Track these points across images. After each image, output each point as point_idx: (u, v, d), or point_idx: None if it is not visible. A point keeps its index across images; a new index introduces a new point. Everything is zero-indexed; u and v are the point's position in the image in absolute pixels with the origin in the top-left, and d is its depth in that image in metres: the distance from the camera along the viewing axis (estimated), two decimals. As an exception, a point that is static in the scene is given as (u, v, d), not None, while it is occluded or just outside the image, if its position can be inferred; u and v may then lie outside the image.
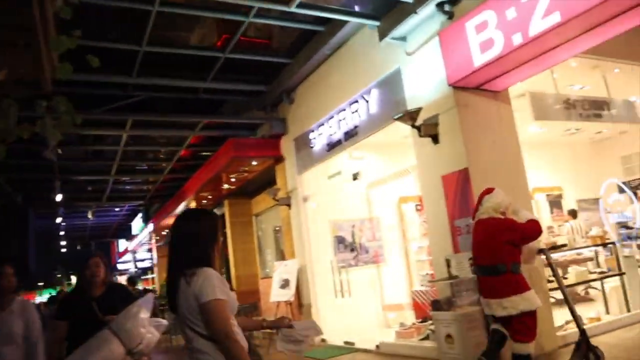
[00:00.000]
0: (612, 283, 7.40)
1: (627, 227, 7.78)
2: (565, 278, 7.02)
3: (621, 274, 7.29)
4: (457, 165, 6.15)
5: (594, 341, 6.12)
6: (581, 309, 7.76)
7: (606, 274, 7.25)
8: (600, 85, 8.52)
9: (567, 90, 8.21)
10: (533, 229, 4.78)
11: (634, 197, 8.39)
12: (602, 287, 7.39)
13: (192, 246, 2.47)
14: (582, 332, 5.06)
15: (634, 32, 8.11)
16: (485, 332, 5.58)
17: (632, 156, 13.42)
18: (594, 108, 8.13)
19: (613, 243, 7.45)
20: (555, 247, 5.94)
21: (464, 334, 5.48)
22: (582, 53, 6.71)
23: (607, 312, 7.24)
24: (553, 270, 5.31)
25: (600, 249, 7.91)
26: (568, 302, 5.21)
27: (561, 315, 6.40)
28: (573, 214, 10.66)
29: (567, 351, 5.82)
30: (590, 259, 8.79)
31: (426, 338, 7.10)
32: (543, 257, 5.45)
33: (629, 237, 7.60)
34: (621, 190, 8.48)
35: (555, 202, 12.23)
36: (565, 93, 8.03)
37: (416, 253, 9.65)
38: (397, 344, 7.50)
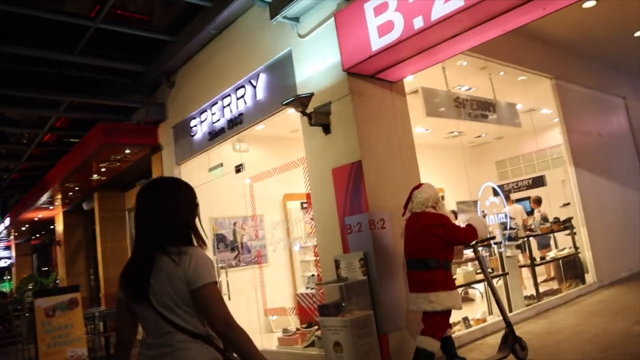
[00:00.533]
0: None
1: (510, 228, 7.89)
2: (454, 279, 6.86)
3: (504, 275, 7.32)
4: (350, 157, 5.68)
5: (482, 344, 6.01)
6: (465, 310, 7.76)
7: (492, 275, 7.21)
8: (487, 88, 8.64)
9: (456, 90, 8.19)
10: (466, 236, 4.81)
11: (504, 201, 8.63)
12: (486, 288, 7.36)
13: (174, 220, 2.13)
14: (508, 323, 5.15)
15: (518, 39, 8.45)
16: (377, 339, 5.17)
17: (506, 161, 14.14)
18: (481, 109, 8.16)
19: (499, 243, 7.46)
20: (482, 241, 5.62)
21: (354, 342, 4.99)
22: (474, 51, 6.64)
23: (490, 312, 7.22)
24: (481, 263, 5.53)
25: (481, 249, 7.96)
26: (495, 294, 5.43)
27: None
28: (454, 215, 10.82)
29: (460, 353, 5.60)
30: (473, 259, 8.88)
31: (312, 345, 6.58)
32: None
33: (511, 238, 7.69)
34: (495, 194, 8.66)
35: (437, 203, 12.44)
36: (455, 92, 7.99)
37: (301, 253, 9.15)
38: (279, 351, 6.90)
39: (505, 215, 8.09)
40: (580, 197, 9.02)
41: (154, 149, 9.84)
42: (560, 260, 8.96)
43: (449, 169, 13.00)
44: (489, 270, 7.35)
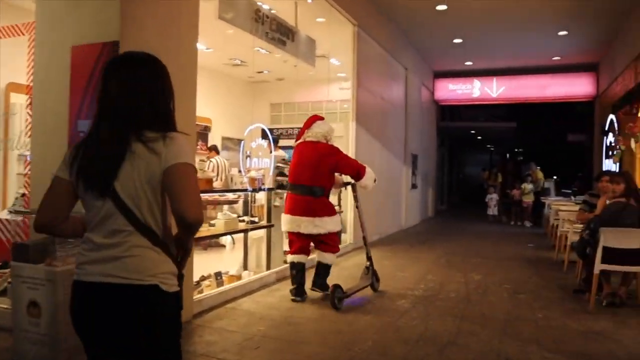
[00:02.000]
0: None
1: (282, 174, 6.95)
2: (213, 225, 5.59)
3: (269, 226, 6.34)
4: (102, 34, 3.83)
5: (234, 309, 4.91)
6: (215, 262, 6.60)
7: (257, 225, 6.17)
8: (290, 14, 7.48)
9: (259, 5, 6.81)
10: (359, 169, 5.28)
11: (273, 146, 7.83)
12: (245, 239, 6.31)
13: (157, 100, 1.79)
14: (370, 258, 5.69)
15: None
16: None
17: (282, 105, 13.41)
18: (280, 32, 6.94)
19: (272, 189, 6.43)
20: (348, 183, 5.71)
21: (60, 305, 3.33)
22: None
23: (246, 267, 6.21)
24: (358, 202, 5.77)
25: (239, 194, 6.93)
26: (364, 230, 5.78)
27: (196, 270, 4.95)
28: (215, 149, 9.59)
29: (204, 323, 4.38)
30: (234, 202, 7.78)
31: (4, 293, 4.62)
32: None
33: (282, 186, 6.75)
34: (264, 136, 7.80)
35: (202, 135, 11.12)
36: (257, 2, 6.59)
37: (20, 163, 6.80)
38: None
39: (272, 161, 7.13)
40: (356, 155, 8.63)
41: None
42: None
43: (222, 101, 11.75)
44: (255, 219, 6.31)
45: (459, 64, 15.17)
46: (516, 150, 27.86)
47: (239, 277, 5.73)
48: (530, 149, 35.24)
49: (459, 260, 7.97)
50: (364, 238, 5.72)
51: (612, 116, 12.08)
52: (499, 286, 6.19)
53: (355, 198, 5.76)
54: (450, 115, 20.08)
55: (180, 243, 1.80)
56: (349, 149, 8.88)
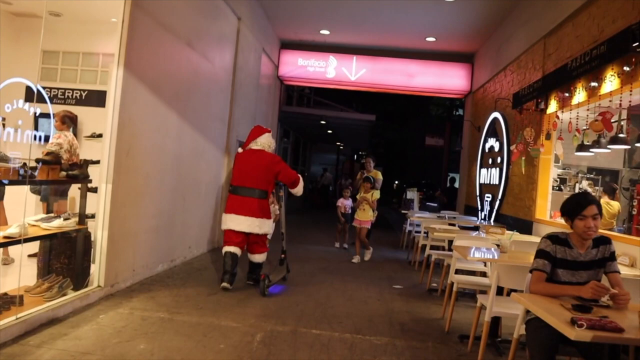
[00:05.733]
0: None
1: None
2: None
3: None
4: None
5: None
6: None
7: None
8: None
9: None
10: (295, 179, 6.08)
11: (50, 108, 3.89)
12: None
13: None
14: (284, 250, 6.42)
15: None
16: None
17: (63, 56, 8.63)
18: None
19: None
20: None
21: None
22: None
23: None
24: (282, 203, 6.39)
25: None
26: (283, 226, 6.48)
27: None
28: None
29: None
30: None
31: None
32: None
33: None
34: (30, 98, 4.12)
35: None
36: None
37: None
38: None
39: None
40: (118, 135, 4.58)
41: None
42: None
43: None
44: None
45: (312, 33, 11.71)
46: (374, 148, 25.74)
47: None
48: (390, 149, 33.64)
49: (287, 341, 4.26)
50: (282, 233, 6.40)
51: (496, 115, 9.50)
52: None
53: (280, 198, 6.39)
54: (300, 101, 16.69)
55: None
56: (110, 107, 4.82)
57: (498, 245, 4.87)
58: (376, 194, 8.54)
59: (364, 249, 8.60)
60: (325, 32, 11.44)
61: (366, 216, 8.42)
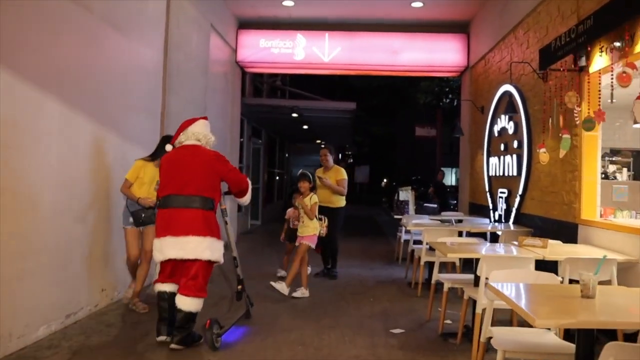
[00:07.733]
0: None
1: None
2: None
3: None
4: None
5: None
6: None
7: None
8: None
9: None
10: (245, 182, 4.38)
11: None
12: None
13: None
14: (241, 280, 4.57)
15: None
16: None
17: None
18: None
19: None
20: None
21: None
22: None
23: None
24: (225, 217, 4.60)
25: None
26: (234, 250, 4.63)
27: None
28: None
29: None
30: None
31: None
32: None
33: None
34: None
35: None
36: None
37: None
38: None
39: None
40: None
41: None
42: None
43: None
44: None
45: (273, 6, 9.61)
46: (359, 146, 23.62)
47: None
48: (377, 146, 31.46)
49: None
50: (235, 258, 4.56)
51: (507, 87, 7.47)
52: None
53: (225, 211, 4.61)
54: (273, 94, 14.54)
55: None
56: None
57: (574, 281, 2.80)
58: (314, 198, 6.10)
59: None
60: (289, 2, 9.36)
61: (307, 230, 5.99)
